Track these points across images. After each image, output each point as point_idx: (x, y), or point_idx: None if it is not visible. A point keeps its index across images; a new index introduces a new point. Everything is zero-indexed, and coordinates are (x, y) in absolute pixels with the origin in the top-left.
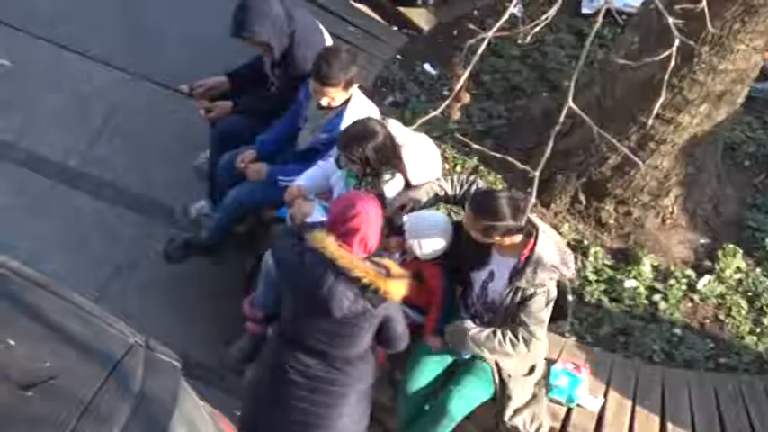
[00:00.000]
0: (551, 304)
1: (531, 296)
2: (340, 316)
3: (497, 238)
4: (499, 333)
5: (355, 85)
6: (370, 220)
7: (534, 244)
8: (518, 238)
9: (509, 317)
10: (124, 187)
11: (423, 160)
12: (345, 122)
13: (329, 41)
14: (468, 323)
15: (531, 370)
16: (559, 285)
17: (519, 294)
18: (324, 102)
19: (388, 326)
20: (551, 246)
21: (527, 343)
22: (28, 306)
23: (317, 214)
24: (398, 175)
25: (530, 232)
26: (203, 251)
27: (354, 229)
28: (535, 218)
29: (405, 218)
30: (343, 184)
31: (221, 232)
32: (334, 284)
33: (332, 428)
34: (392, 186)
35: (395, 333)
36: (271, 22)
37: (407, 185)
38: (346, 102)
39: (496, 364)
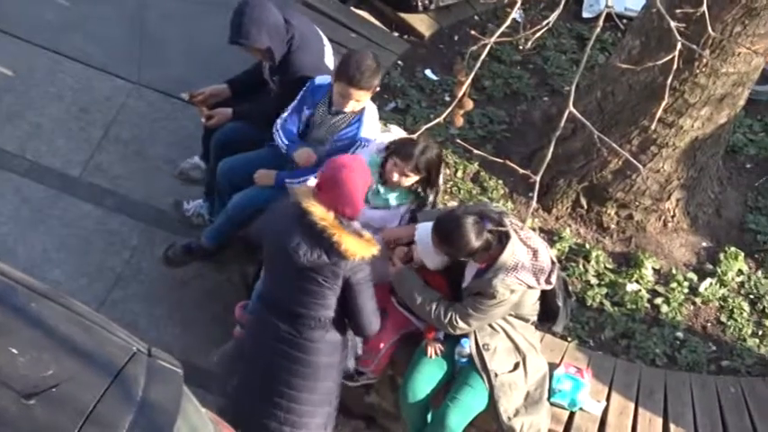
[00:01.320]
0: (503, 307)
1: (483, 294)
2: (297, 261)
3: (465, 259)
4: (434, 304)
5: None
6: (356, 185)
7: (499, 253)
8: (486, 254)
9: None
10: (125, 195)
11: None
12: (365, 128)
13: (328, 47)
14: (420, 282)
15: (516, 366)
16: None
17: (475, 291)
18: (349, 107)
19: (352, 293)
20: (523, 256)
21: (453, 324)
22: (30, 315)
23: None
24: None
25: (501, 241)
26: (204, 256)
27: (335, 200)
28: (522, 227)
29: (418, 226)
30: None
31: (223, 237)
32: (294, 227)
33: (298, 394)
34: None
35: (359, 304)
36: (267, 27)
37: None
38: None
39: (481, 360)
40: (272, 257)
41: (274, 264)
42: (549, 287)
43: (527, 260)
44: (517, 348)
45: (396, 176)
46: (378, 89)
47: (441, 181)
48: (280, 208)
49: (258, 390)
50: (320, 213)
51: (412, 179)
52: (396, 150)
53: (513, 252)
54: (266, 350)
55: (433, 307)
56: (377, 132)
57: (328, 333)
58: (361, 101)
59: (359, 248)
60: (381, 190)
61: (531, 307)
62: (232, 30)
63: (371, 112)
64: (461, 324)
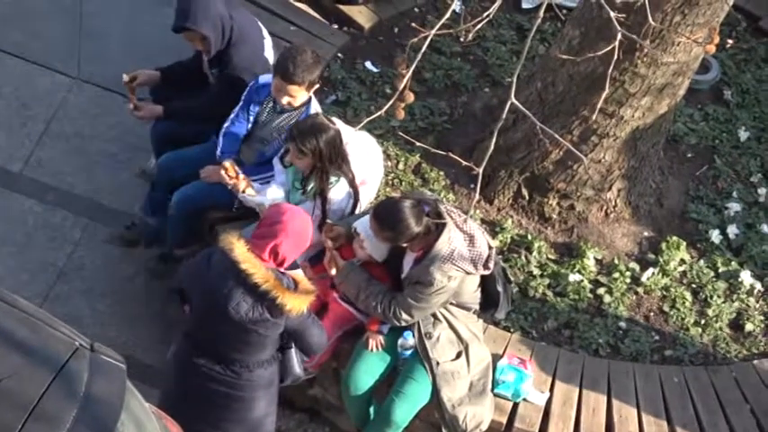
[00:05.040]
0: (439, 296)
1: (421, 283)
2: (237, 319)
3: (404, 245)
4: (380, 297)
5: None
6: (291, 233)
7: (435, 241)
8: (424, 240)
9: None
10: (67, 190)
11: (366, 157)
12: None
13: (268, 40)
14: (365, 275)
15: (458, 355)
16: (488, 275)
17: (414, 280)
18: (284, 100)
19: (299, 337)
20: (459, 243)
21: (397, 316)
22: None
23: None
24: (343, 180)
25: (437, 229)
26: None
27: (271, 235)
28: (458, 214)
29: (356, 222)
30: (287, 194)
31: (182, 232)
32: (234, 287)
33: (237, 423)
34: (337, 190)
35: (308, 343)
36: (212, 17)
37: (353, 188)
38: (307, 103)
39: (423, 349)
40: (205, 311)
41: (207, 317)
42: (487, 272)
43: (464, 246)
44: (459, 338)
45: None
46: (316, 85)
47: (371, 191)
48: (212, 262)
49: (193, 425)
50: (262, 275)
51: (304, 161)
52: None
53: (450, 238)
54: (200, 391)
55: (379, 300)
56: None
57: (265, 371)
58: (296, 96)
59: (301, 303)
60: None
61: (472, 295)
62: (179, 15)
63: (315, 107)
64: (405, 316)
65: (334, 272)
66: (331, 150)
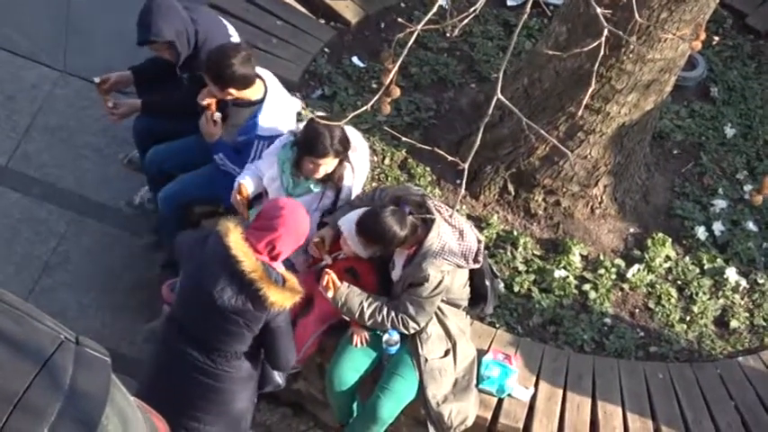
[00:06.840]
0: (438, 294)
1: (419, 284)
2: (219, 304)
3: (396, 249)
4: (385, 310)
5: (257, 84)
6: (290, 228)
7: (424, 237)
8: (414, 238)
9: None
10: (53, 184)
11: (352, 151)
12: (261, 124)
13: (235, 38)
14: (363, 295)
15: (446, 353)
16: (476, 270)
17: (408, 281)
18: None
19: (272, 335)
20: (449, 237)
21: (405, 325)
22: None
23: None
24: (348, 167)
25: (425, 222)
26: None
27: (269, 228)
28: (446, 209)
29: (341, 220)
30: (284, 185)
31: (174, 230)
32: (221, 271)
33: (214, 418)
34: (348, 176)
35: (277, 346)
36: (175, 25)
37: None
38: (260, 102)
39: (414, 346)
40: (192, 292)
41: (193, 298)
42: (477, 266)
43: (453, 240)
44: (448, 334)
45: (321, 173)
46: (245, 83)
47: (358, 180)
48: (207, 243)
49: (170, 411)
50: (250, 265)
51: (334, 163)
52: (309, 150)
53: (439, 233)
54: (178, 377)
55: (385, 314)
56: (281, 125)
57: (244, 363)
58: (212, 91)
59: (284, 300)
60: (298, 181)
61: (461, 290)
62: (141, 28)
63: (271, 106)
64: (412, 324)
65: (330, 294)
66: (346, 142)
